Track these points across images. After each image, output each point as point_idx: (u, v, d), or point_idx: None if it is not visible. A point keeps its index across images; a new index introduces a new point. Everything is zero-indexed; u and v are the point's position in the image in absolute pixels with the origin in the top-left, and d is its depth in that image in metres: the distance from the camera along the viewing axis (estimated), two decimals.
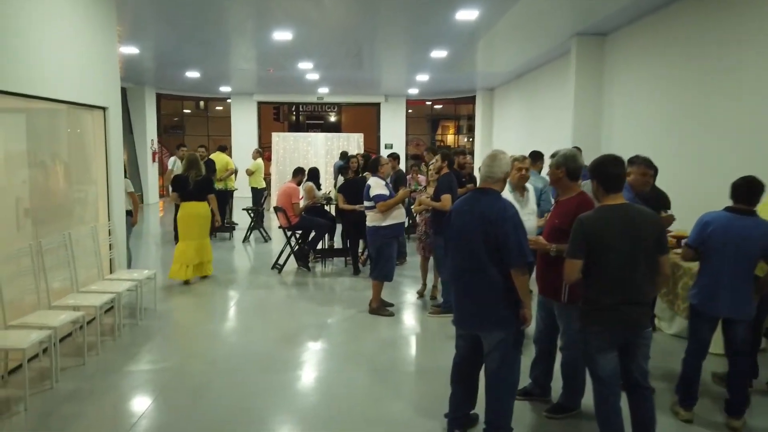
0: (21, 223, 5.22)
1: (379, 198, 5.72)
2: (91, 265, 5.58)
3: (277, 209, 7.93)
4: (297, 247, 8.03)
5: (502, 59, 11.85)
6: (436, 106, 21.16)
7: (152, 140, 16.83)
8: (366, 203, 5.91)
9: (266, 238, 10.41)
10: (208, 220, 7.22)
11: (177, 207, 9.80)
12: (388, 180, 5.98)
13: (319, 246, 8.42)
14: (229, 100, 19.03)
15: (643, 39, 7.90)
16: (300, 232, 8.09)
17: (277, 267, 7.94)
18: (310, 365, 4.70)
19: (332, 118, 21.85)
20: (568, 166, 3.53)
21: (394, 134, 18.95)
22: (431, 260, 6.48)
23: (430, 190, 6.35)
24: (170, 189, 7.38)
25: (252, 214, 10.43)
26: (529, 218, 4.35)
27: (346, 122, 21.78)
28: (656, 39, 7.54)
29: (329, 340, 5.27)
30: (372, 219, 5.83)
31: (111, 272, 6.02)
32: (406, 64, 12.51)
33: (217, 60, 11.94)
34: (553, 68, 11.35)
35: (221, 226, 10.51)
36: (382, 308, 5.95)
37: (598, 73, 8.98)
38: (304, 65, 12.33)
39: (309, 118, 22.09)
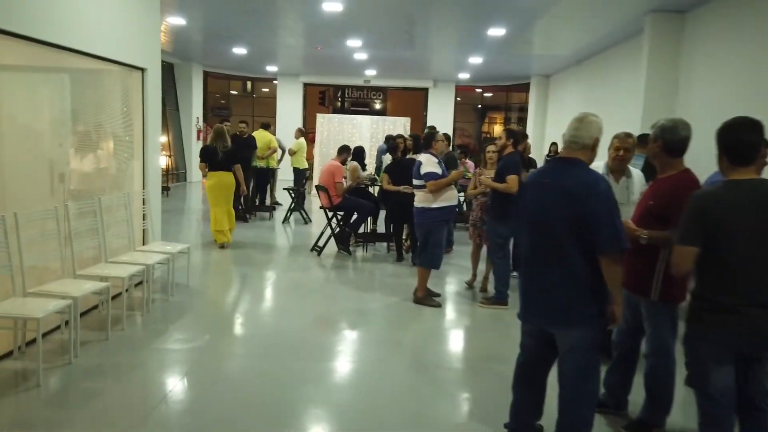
0: (55, 187, 4.95)
1: (430, 176, 5.20)
2: (123, 235, 5.27)
3: (319, 188, 7.50)
4: (338, 229, 7.60)
5: (564, 40, 11.07)
6: (486, 94, 20.34)
7: (197, 118, 16.73)
8: (415, 182, 5.40)
9: (306, 220, 10.03)
10: (233, 188, 7.52)
11: None
12: (441, 159, 5.44)
13: (361, 230, 7.98)
14: (275, 81, 18.78)
15: (727, 18, 7.06)
16: (341, 213, 7.65)
17: (317, 249, 7.53)
18: (348, 354, 4.25)
19: (377, 105, 21.35)
20: (665, 138, 2.94)
21: (441, 122, 18.22)
22: (484, 249, 5.95)
23: (489, 173, 5.81)
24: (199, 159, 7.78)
25: (293, 195, 10.07)
26: (628, 211, 3.30)
27: (392, 109, 21.21)
28: (742, 18, 6.71)
29: (369, 328, 4.80)
30: (421, 199, 5.32)
31: (144, 244, 5.72)
32: (459, 43, 11.87)
33: (265, 34, 11.59)
34: (620, 50, 10.51)
35: (256, 204, 10.24)
36: (427, 297, 5.44)
37: (674, 54, 8.16)
38: (353, 42, 11.86)
39: (354, 105, 21.65)
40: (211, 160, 7.34)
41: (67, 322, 4.19)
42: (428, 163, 5.28)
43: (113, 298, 4.59)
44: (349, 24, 10.09)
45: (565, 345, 2.67)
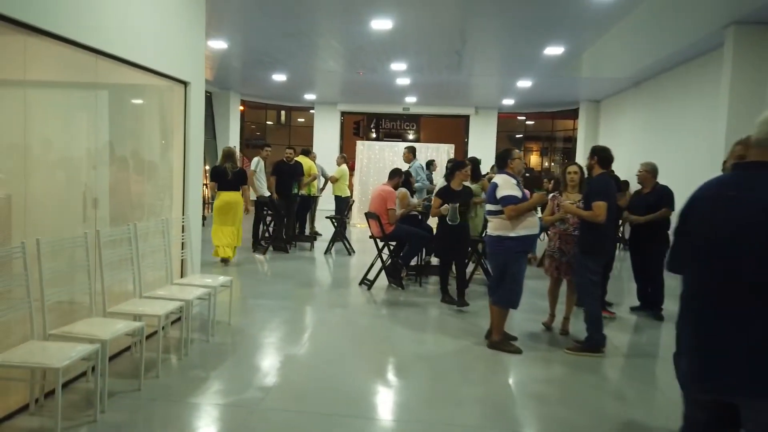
0: (87, 213, 4.42)
1: (508, 200, 4.50)
2: (159, 266, 4.69)
3: (369, 215, 6.86)
4: (389, 261, 6.92)
5: (624, 60, 10.37)
6: (528, 122, 19.64)
7: (234, 146, 16.43)
8: (489, 207, 4.70)
9: (350, 251, 9.38)
10: (241, 208, 7.81)
11: (259, 210, 9.06)
12: (519, 180, 4.75)
13: (413, 262, 7.28)
14: (312, 111, 18.49)
15: None
16: (393, 243, 6.97)
17: (366, 283, 6.84)
18: (420, 415, 3.50)
19: (411, 135, 20.85)
20: None
21: (483, 150, 17.59)
22: (563, 285, 5.20)
23: (570, 197, 5.09)
24: (209, 179, 8.22)
25: (336, 224, 9.46)
26: None
27: (425, 138, 20.69)
28: None
29: (441, 380, 4.05)
30: (497, 227, 4.60)
31: (182, 276, 5.14)
32: (509, 65, 11.25)
33: (306, 58, 11.20)
34: (692, 68, 9.74)
35: (296, 233, 9.69)
36: (505, 342, 4.68)
37: (759, 67, 7.38)
38: (397, 66, 11.38)
39: (388, 135, 21.24)
40: (220, 180, 7.67)
41: (93, 368, 3.57)
42: (505, 185, 4.58)
43: (147, 337, 3.97)
44: (396, 45, 9.61)
45: (758, 420, 1.91)
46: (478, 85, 14.09)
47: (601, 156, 4.60)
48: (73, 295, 3.66)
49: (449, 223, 5.67)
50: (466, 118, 18.12)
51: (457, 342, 4.87)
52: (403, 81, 13.18)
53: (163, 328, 4.08)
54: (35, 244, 3.19)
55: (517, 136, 20.29)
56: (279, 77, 13.36)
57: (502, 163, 4.79)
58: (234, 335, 4.85)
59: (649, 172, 5.92)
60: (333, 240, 9.48)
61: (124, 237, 4.22)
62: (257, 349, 4.64)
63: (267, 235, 9.57)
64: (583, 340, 4.64)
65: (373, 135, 21.00)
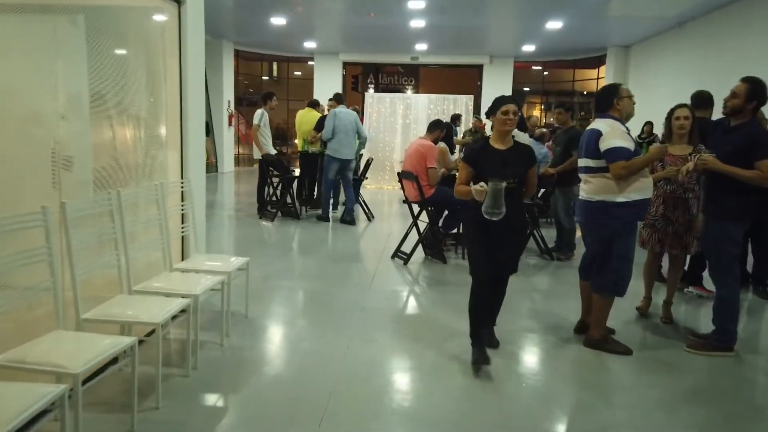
0: (57, 177, 3.25)
1: (618, 153, 3.35)
2: (154, 246, 3.54)
3: (404, 175, 5.71)
4: (427, 230, 5.80)
5: None
6: (545, 72, 18.23)
7: (229, 101, 15.06)
8: (585, 163, 3.56)
9: (370, 216, 8.23)
10: None
11: (264, 171, 8.02)
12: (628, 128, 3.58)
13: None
14: (310, 63, 17.02)
15: None
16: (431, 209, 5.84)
17: (401, 256, 5.74)
18: None
19: (409, 90, 19.44)
20: None
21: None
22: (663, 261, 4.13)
23: (675, 150, 3.97)
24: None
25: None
26: None
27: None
28: None
29: (540, 398, 2.99)
30: (599, 189, 3.47)
31: (183, 258, 4.01)
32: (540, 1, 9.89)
33: None
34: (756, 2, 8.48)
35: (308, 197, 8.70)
36: (609, 339, 3.62)
37: None
38: (415, 4, 10.00)
39: (385, 90, 19.84)
40: None
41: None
42: (613, 132, 3.42)
43: (140, 342, 2.86)
44: None
45: None
46: (497, 29, 12.73)
47: (762, 97, 3.41)
48: (29, 299, 2.52)
49: (487, 216, 2.95)
50: (479, 68, 16.75)
51: (537, 338, 3.80)
52: (418, 23, 11.80)
53: (159, 337, 2.97)
54: None
55: (526, 89, 18.81)
56: (278, 20, 11.92)
57: (605, 103, 3.59)
58: (254, 334, 3.76)
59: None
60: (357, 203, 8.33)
61: (104, 210, 3.06)
62: (283, 351, 3.55)
63: (275, 198, 8.41)
64: (710, 335, 3.59)
65: (371, 90, 19.63)
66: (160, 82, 3.98)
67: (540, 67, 17.66)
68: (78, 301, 2.68)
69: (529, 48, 14.64)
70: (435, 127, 5.83)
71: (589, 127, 3.62)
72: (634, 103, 3.65)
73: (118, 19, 3.67)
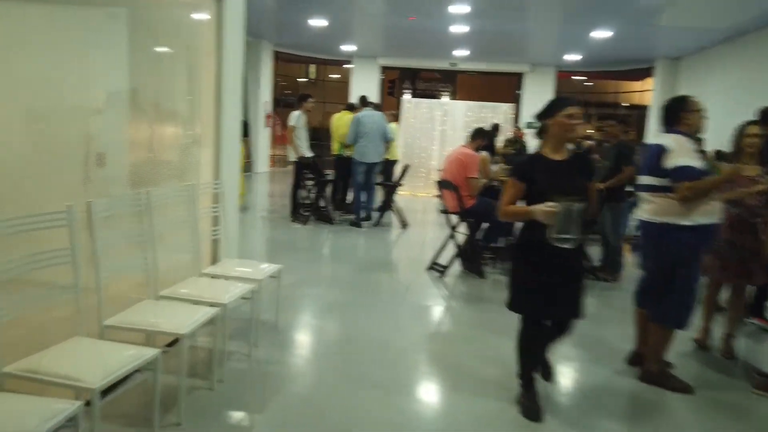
0: (90, 173, 3.14)
1: (686, 173, 3.05)
2: (184, 248, 3.39)
3: (443, 185, 5.47)
4: (466, 243, 5.55)
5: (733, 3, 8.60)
6: (587, 83, 17.73)
7: (266, 102, 15.06)
8: (648, 180, 3.26)
9: (404, 224, 8.01)
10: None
11: (299, 173, 7.93)
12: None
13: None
14: (346, 66, 16.94)
15: None
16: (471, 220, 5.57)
17: (437, 269, 5.50)
18: None
19: (446, 97, 19.17)
20: None
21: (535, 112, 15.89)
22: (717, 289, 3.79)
23: (749, 169, 3.64)
24: None
25: (386, 191, 8.11)
26: None
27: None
28: None
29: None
30: (662, 211, 3.16)
31: (212, 262, 3.85)
32: (593, 6, 9.50)
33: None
34: None
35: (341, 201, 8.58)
36: (668, 374, 3.31)
37: None
38: (457, 8, 9.75)
39: (422, 96, 19.63)
40: None
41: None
42: (680, 150, 3.12)
43: (165, 348, 2.69)
44: None
45: None
46: (541, 37, 12.38)
47: None
48: (48, 302, 2.37)
49: (557, 243, 2.55)
50: (518, 76, 16.37)
51: (586, 369, 3.52)
52: (459, 29, 11.54)
53: (185, 347, 2.80)
54: None
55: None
56: (318, 22, 11.81)
57: (672, 117, 3.30)
58: (283, 346, 3.57)
59: None
60: (383, 209, 8.13)
61: (133, 211, 2.92)
62: (317, 374, 3.34)
63: (308, 202, 8.26)
64: None
65: (408, 95, 19.45)
66: (197, 80, 3.85)
67: (583, 77, 17.17)
68: (101, 309, 2.53)
69: (572, 57, 14.22)
70: (477, 135, 5.58)
71: (653, 142, 3.33)
72: (704, 118, 3.35)
73: (158, 14, 3.56)
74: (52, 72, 2.67)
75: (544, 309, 2.76)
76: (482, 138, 5.60)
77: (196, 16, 3.82)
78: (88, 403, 1.94)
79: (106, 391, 2.40)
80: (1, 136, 2.53)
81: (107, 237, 2.60)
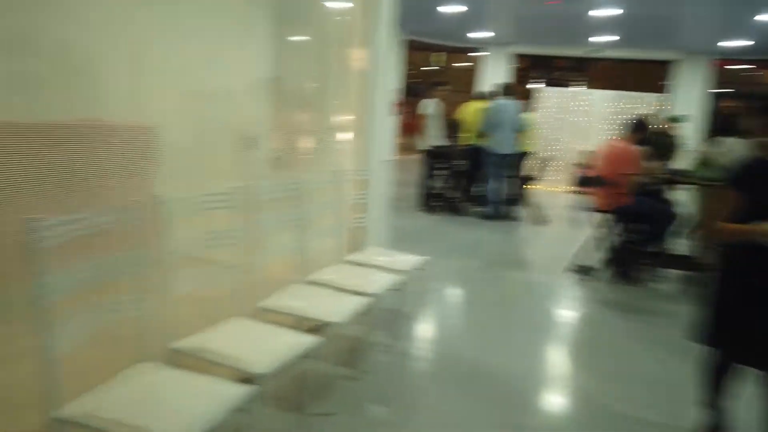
0: (241, 156, 3.21)
1: None
2: (329, 234, 3.35)
3: (597, 181, 5.01)
4: (619, 244, 5.05)
5: None
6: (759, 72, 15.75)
7: (395, 90, 15.10)
8: None
9: (539, 219, 7.55)
10: None
11: (429, 162, 7.74)
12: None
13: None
14: (470, 54, 16.50)
15: None
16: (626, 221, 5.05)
17: (583, 271, 5.07)
18: None
19: (581, 87, 17.96)
20: None
21: (686, 104, 14.35)
22: None
23: None
24: None
25: (524, 184, 7.74)
26: None
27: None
28: None
29: None
30: None
31: (354, 249, 3.79)
32: None
33: None
34: None
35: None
36: None
37: None
38: None
39: (555, 85, 18.61)
40: None
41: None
42: None
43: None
44: None
45: None
46: (697, 21, 11.13)
47: None
48: (215, 280, 2.38)
49: None
50: (664, 64, 14.91)
51: None
52: (598, 13, 10.68)
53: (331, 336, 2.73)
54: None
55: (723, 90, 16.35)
56: (453, 9, 11.54)
57: None
58: (423, 341, 3.43)
59: None
60: (514, 203, 7.73)
61: (283, 195, 2.90)
62: (465, 369, 3.14)
63: (438, 192, 8.09)
64: None
65: (540, 84, 18.55)
66: (344, 68, 3.80)
67: (743, 66, 15.30)
68: (257, 287, 2.52)
69: (734, 43, 12.66)
70: (638, 128, 5.02)
71: None
72: None
73: (305, 2, 3.54)
74: (208, 58, 2.72)
75: (742, 353, 2.27)
76: (643, 131, 5.04)
77: (344, 5, 3.75)
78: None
79: None
80: (171, 118, 2.60)
81: (266, 219, 2.59)
